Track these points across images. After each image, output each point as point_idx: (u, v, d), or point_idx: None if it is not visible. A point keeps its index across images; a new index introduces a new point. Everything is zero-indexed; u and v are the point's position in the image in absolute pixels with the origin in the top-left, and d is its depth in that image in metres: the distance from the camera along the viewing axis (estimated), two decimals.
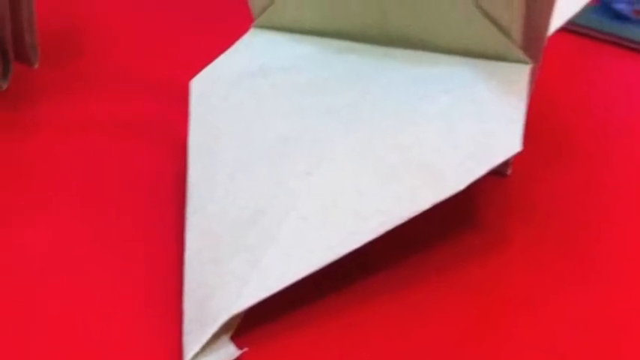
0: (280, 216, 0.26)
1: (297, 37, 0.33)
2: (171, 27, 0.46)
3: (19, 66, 0.39)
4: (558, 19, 0.32)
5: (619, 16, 0.46)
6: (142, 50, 0.43)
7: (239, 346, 0.24)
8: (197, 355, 0.24)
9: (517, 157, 0.28)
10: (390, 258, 0.28)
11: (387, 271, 0.28)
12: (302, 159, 0.28)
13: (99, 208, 0.31)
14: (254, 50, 0.32)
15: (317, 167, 0.27)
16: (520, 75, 0.30)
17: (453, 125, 0.28)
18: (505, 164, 0.32)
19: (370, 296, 0.27)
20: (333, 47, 0.32)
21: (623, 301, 0.27)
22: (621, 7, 0.47)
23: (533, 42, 0.30)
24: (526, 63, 0.30)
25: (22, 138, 0.35)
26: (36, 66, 0.40)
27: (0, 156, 0.34)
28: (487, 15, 0.29)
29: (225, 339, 0.25)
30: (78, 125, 0.36)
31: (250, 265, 0.25)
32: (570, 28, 0.44)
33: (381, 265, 0.28)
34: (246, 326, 0.25)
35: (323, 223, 0.26)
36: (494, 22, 0.29)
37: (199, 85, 0.31)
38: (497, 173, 0.32)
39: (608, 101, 0.40)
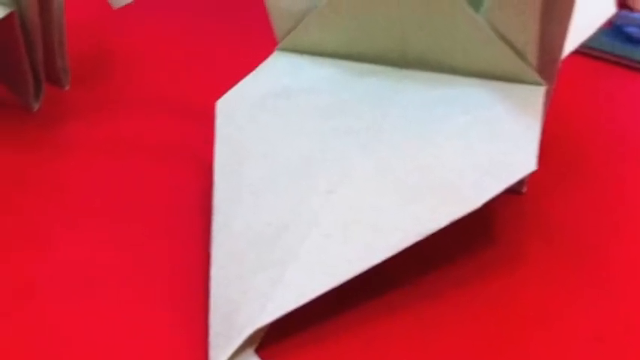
0: (303, 232, 0.27)
1: (319, 59, 0.33)
2: (197, 50, 0.47)
3: (51, 87, 0.40)
4: (572, 42, 0.33)
5: (630, 39, 0.47)
6: (169, 72, 0.44)
7: (263, 359, 0.25)
8: None
9: (532, 175, 0.28)
10: (410, 273, 0.28)
11: (407, 285, 0.28)
12: (324, 178, 0.28)
13: (127, 226, 0.31)
14: (277, 72, 0.33)
15: (338, 186, 0.28)
16: (535, 96, 0.30)
17: (470, 145, 0.28)
18: (520, 182, 0.33)
19: (390, 310, 0.27)
20: (354, 70, 0.32)
21: (637, 317, 0.27)
22: (632, 30, 0.47)
23: (547, 64, 0.30)
24: (541, 85, 0.30)
25: (52, 157, 0.36)
26: (67, 88, 0.40)
27: (31, 175, 0.34)
28: (503, 38, 0.30)
29: (250, 352, 0.25)
30: (107, 145, 0.37)
31: (274, 280, 0.26)
32: (583, 51, 0.45)
33: (400, 280, 0.28)
34: (270, 339, 0.25)
35: (344, 240, 0.26)
36: (510, 45, 0.30)
37: (225, 106, 0.31)
38: (513, 191, 0.33)
39: (619, 121, 0.40)
